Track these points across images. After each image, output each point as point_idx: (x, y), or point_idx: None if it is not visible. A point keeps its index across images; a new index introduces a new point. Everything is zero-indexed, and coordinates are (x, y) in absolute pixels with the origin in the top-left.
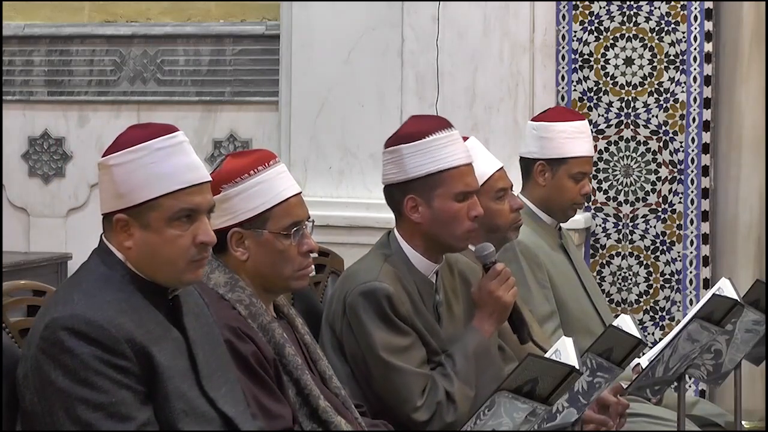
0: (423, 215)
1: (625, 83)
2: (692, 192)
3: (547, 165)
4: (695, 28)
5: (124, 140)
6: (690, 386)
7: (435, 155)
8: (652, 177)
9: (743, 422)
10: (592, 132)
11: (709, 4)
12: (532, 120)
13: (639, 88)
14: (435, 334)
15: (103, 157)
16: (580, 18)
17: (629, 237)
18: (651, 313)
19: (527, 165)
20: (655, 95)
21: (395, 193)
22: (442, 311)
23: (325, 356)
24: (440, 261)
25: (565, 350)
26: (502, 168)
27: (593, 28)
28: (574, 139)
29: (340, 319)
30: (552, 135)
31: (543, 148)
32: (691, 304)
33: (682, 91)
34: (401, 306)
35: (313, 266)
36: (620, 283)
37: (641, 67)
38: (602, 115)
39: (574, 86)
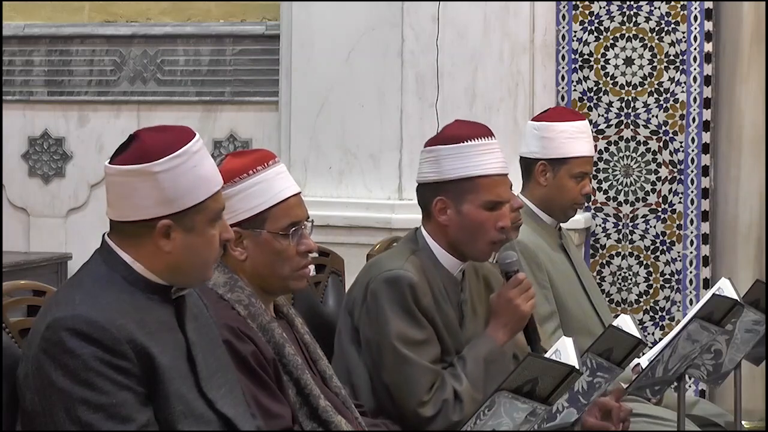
0: (450, 218)
1: (625, 83)
2: (692, 192)
3: (548, 165)
4: (695, 28)
5: (155, 146)
6: (690, 386)
7: (471, 161)
8: (652, 177)
9: (743, 422)
10: (592, 132)
11: (709, 4)
12: (533, 120)
13: (639, 88)
14: (453, 332)
15: (135, 164)
16: (580, 18)
17: (629, 237)
18: (651, 313)
19: (528, 165)
20: (655, 95)
21: (427, 192)
22: (466, 310)
23: (339, 344)
24: (466, 260)
25: (565, 350)
26: None
27: (593, 28)
28: (575, 139)
29: (359, 305)
30: (553, 135)
31: (544, 148)
32: (691, 304)
33: (682, 91)
34: (423, 297)
35: (312, 266)
36: (620, 283)
37: (641, 67)
38: (602, 115)
39: (574, 86)
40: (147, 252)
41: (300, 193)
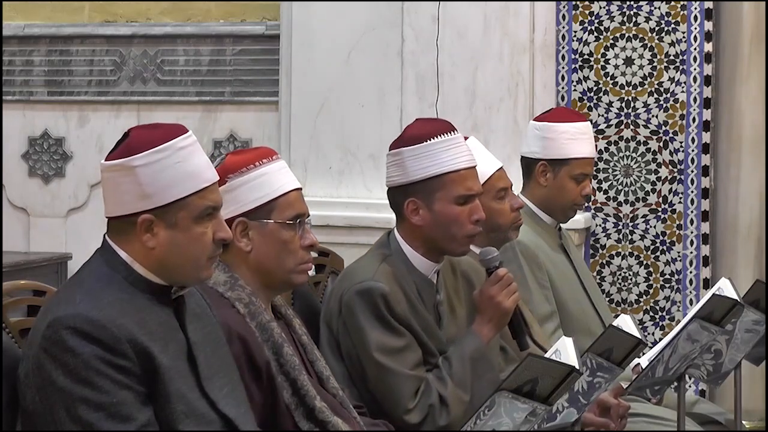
0: (424, 218)
1: (625, 83)
2: (692, 192)
3: (549, 165)
4: (695, 28)
5: (139, 141)
6: (690, 386)
7: (435, 158)
8: (652, 177)
9: (743, 422)
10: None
11: (709, 4)
12: (535, 120)
13: (639, 88)
14: (433, 334)
15: (118, 159)
16: (580, 18)
17: (629, 237)
18: (651, 313)
19: (528, 165)
20: (655, 95)
21: (397, 195)
22: (442, 310)
23: (322, 356)
24: (441, 261)
25: (565, 350)
26: (501, 168)
27: (593, 28)
28: (577, 140)
29: (336, 317)
30: (554, 135)
31: (545, 149)
32: (691, 304)
33: (682, 91)
34: (397, 306)
35: (313, 265)
36: (620, 283)
37: (641, 67)
38: (602, 115)
39: (574, 86)
40: (136, 248)
41: (301, 188)
